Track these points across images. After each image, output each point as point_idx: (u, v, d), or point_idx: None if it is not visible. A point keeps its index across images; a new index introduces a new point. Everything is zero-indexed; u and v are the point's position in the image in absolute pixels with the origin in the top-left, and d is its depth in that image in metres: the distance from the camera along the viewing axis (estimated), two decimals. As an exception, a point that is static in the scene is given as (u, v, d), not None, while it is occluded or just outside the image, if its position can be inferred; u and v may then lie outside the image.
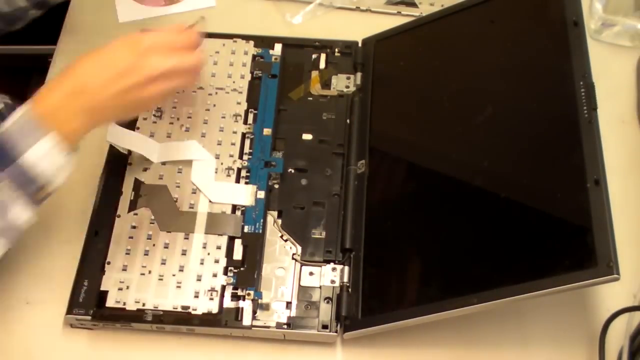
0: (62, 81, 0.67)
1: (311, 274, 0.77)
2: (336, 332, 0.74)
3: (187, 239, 0.78)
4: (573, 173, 0.69)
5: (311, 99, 0.89)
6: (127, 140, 0.81)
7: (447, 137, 0.82)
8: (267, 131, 0.85)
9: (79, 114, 0.66)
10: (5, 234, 0.65)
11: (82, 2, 0.99)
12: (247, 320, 0.74)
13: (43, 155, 0.64)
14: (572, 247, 0.68)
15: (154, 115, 0.85)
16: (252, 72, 0.90)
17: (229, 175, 0.82)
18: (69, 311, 0.74)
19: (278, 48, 0.92)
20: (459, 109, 0.82)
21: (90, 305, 0.74)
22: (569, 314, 0.77)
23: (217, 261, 0.77)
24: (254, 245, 0.78)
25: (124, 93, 0.68)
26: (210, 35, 0.92)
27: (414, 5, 0.98)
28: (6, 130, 0.64)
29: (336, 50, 0.92)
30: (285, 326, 0.74)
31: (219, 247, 0.77)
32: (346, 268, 0.77)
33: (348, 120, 0.87)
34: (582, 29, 0.76)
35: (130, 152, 0.82)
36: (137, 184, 0.81)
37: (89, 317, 0.73)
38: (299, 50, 0.92)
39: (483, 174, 0.77)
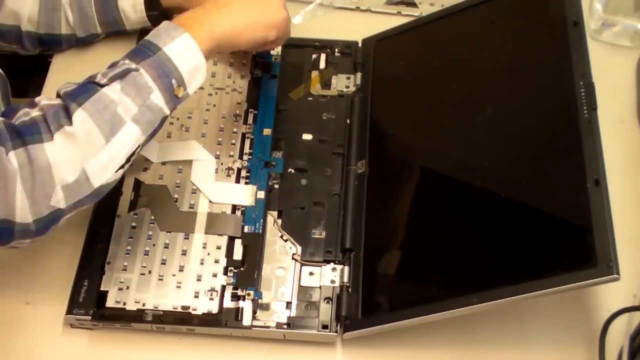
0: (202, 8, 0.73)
1: (311, 274, 0.77)
2: (336, 332, 0.74)
3: (187, 239, 0.78)
4: (573, 173, 0.69)
5: (311, 99, 0.89)
6: None
7: (447, 137, 0.82)
8: (267, 131, 0.85)
9: (216, 15, 0.72)
10: (141, 120, 0.66)
11: (82, 2, 0.99)
12: (247, 320, 0.74)
13: (180, 51, 0.68)
14: (572, 247, 0.68)
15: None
16: (252, 72, 0.90)
17: (229, 175, 0.82)
18: (69, 311, 0.74)
19: (278, 48, 0.92)
20: (459, 109, 0.82)
21: (90, 305, 0.74)
22: (569, 314, 0.77)
23: (217, 261, 0.77)
24: (254, 245, 0.78)
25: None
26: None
27: (414, 5, 0.98)
28: (149, 36, 0.69)
29: (336, 50, 0.92)
30: (285, 326, 0.74)
31: (219, 247, 0.77)
32: (346, 268, 0.77)
33: (348, 120, 0.87)
34: (582, 29, 0.76)
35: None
36: (137, 184, 0.81)
37: (89, 317, 0.73)
38: (299, 50, 0.92)
39: (483, 174, 0.77)
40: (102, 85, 0.65)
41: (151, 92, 0.66)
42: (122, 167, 0.66)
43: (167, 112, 0.68)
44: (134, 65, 0.66)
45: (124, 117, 0.65)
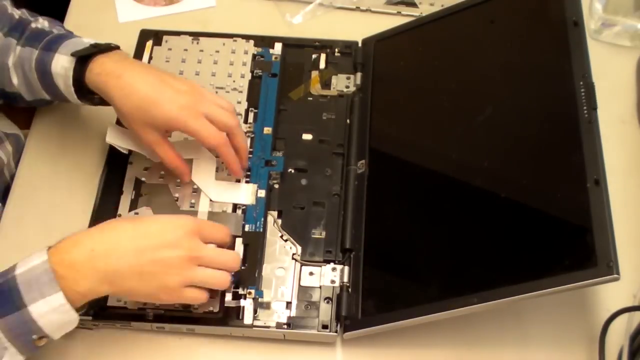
0: (92, 238, 0.66)
1: (311, 274, 0.77)
2: (336, 332, 0.74)
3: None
4: (573, 173, 0.69)
5: (311, 99, 0.89)
6: (127, 141, 0.81)
7: (447, 137, 0.82)
8: (267, 130, 0.85)
9: (97, 277, 0.65)
10: None
11: (82, 2, 0.99)
12: (248, 319, 0.74)
13: (48, 312, 0.63)
14: (572, 247, 0.68)
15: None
16: (252, 72, 0.90)
17: (229, 174, 0.82)
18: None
19: (278, 47, 0.92)
20: (459, 109, 0.82)
21: (90, 305, 0.74)
22: (569, 314, 0.77)
23: (217, 260, 0.77)
24: (255, 244, 0.78)
25: (152, 266, 0.66)
26: (211, 35, 0.93)
27: (414, 5, 0.98)
28: (18, 275, 0.63)
29: (336, 50, 0.92)
30: (285, 326, 0.74)
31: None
32: (346, 268, 0.77)
33: (348, 120, 0.87)
34: (582, 29, 0.76)
35: (130, 151, 0.82)
36: (138, 183, 0.81)
37: (89, 317, 0.73)
38: (299, 50, 0.92)
39: (483, 174, 0.77)
40: None
41: (4, 351, 0.62)
42: None
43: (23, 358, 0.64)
44: None
45: None
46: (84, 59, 0.76)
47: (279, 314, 0.75)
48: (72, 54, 0.76)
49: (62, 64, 0.77)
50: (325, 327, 0.74)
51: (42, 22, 0.85)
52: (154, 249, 0.66)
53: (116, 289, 0.67)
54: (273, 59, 0.91)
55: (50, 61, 0.77)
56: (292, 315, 0.75)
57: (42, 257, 0.64)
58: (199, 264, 0.68)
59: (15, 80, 0.82)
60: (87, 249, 0.65)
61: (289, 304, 0.75)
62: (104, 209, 0.80)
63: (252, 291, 0.75)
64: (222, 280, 0.70)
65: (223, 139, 0.76)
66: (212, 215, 0.79)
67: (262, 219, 0.79)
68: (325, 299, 0.76)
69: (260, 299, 0.75)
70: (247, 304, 0.74)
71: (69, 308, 0.64)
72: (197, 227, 0.69)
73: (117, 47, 0.78)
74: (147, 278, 0.67)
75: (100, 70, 0.75)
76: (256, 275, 0.76)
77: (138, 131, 0.76)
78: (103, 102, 0.78)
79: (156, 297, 0.69)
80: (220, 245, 0.72)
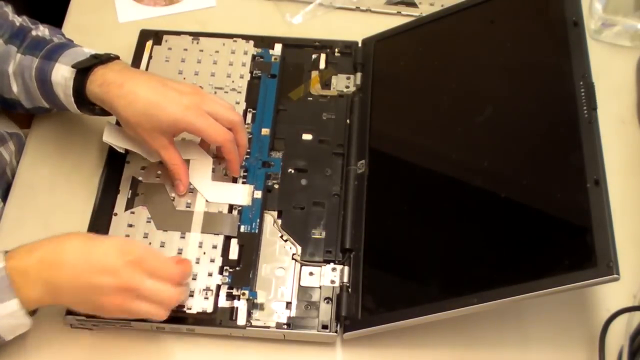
0: (44, 247, 0.67)
1: (311, 274, 0.77)
2: (336, 332, 0.74)
3: (184, 238, 0.78)
4: (573, 173, 0.69)
5: (311, 99, 0.89)
6: (124, 140, 0.81)
7: (447, 137, 0.82)
8: (265, 131, 0.85)
9: (42, 286, 0.66)
10: None
11: (82, 2, 0.99)
12: (241, 320, 0.74)
13: (3, 316, 0.66)
14: (572, 247, 0.68)
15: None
16: (251, 72, 0.90)
17: (226, 175, 0.82)
18: (69, 311, 0.73)
19: (278, 48, 0.92)
20: (459, 109, 0.82)
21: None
22: (569, 314, 0.77)
23: (212, 260, 0.77)
24: (250, 245, 0.78)
25: (88, 288, 0.67)
26: (211, 35, 0.93)
27: (414, 5, 0.98)
28: None
29: (336, 50, 0.92)
30: (285, 326, 0.74)
31: (214, 247, 0.77)
32: (346, 268, 0.77)
33: (348, 120, 0.87)
34: (582, 29, 0.76)
35: (128, 150, 0.82)
36: (135, 183, 0.81)
37: (89, 318, 0.73)
38: (299, 50, 0.92)
39: (483, 174, 0.77)
40: None
41: None
42: None
43: None
44: None
45: None
46: (84, 70, 0.76)
47: (279, 314, 0.75)
48: (73, 66, 0.76)
49: (62, 74, 0.77)
50: (325, 327, 0.74)
51: (43, 30, 0.84)
52: (91, 272, 0.66)
53: (58, 301, 0.69)
54: (272, 59, 0.91)
55: (51, 70, 0.78)
56: (292, 315, 0.75)
57: (0, 262, 0.65)
58: (136, 295, 0.68)
59: (14, 87, 0.82)
60: (37, 257, 0.66)
61: (288, 304, 0.75)
62: (104, 209, 0.80)
63: (246, 292, 0.75)
64: (156, 315, 0.69)
65: (229, 134, 0.76)
66: (207, 216, 0.79)
67: (258, 220, 0.79)
68: (325, 299, 0.76)
69: (254, 300, 0.75)
70: (240, 305, 0.74)
71: (23, 314, 0.66)
72: (140, 257, 0.68)
73: (117, 57, 0.79)
74: (82, 298, 0.68)
75: (101, 81, 0.75)
76: (250, 276, 0.76)
77: (145, 137, 0.76)
78: (103, 112, 0.78)
79: (98, 313, 0.70)
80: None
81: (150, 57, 0.90)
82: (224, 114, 0.76)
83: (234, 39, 0.92)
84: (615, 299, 0.75)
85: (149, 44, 0.91)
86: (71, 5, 0.99)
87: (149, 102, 0.74)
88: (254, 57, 0.91)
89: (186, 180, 0.79)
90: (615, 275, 0.62)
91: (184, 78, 0.88)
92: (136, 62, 0.90)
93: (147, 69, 0.89)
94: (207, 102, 0.76)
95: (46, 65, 0.78)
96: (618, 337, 0.73)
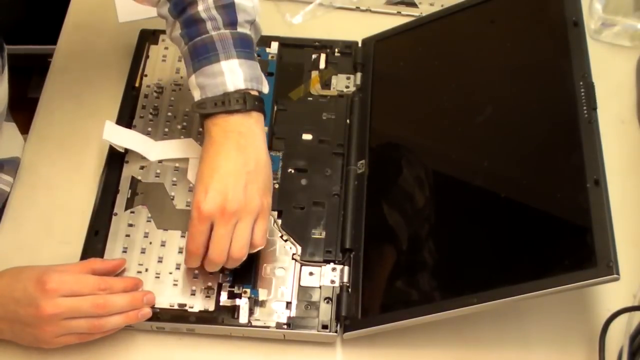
0: None
1: (311, 274, 0.77)
2: (336, 332, 0.74)
3: (184, 237, 0.78)
4: (573, 173, 0.69)
5: (311, 99, 0.89)
6: (123, 139, 0.81)
7: (447, 137, 0.82)
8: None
9: None
10: None
11: (82, 2, 0.99)
12: (243, 318, 0.74)
13: None
14: (571, 247, 0.68)
15: (151, 114, 0.86)
16: (250, 71, 0.90)
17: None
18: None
19: (274, 46, 0.92)
20: (459, 109, 0.82)
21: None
22: (569, 314, 0.77)
23: (213, 260, 0.77)
24: (252, 244, 0.78)
25: (19, 322, 0.69)
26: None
27: (414, 5, 0.98)
28: None
29: (336, 50, 0.92)
30: (285, 326, 0.74)
31: (216, 246, 0.77)
32: (346, 268, 0.77)
33: (348, 120, 0.87)
34: (582, 29, 0.76)
35: (127, 150, 0.82)
36: (134, 182, 0.81)
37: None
38: (299, 50, 0.92)
39: (483, 174, 0.77)
40: None
41: None
42: None
43: None
44: None
45: None
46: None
47: (279, 314, 0.75)
48: (195, 106, 0.73)
49: (192, 84, 0.74)
50: (325, 327, 0.74)
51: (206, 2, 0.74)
52: (17, 307, 0.68)
53: (2, 337, 0.71)
54: (269, 58, 0.91)
55: (188, 75, 0.75)
56: (292, 315, 0.75)
57: None
58: (69, 318, 0.68)
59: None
60: None
61: (288, 304, 0.75)
62: (104, 209, 0.80)
63: (248, 290, 0.75)
64: (109, 325, 0.70)
65: (221, 265, 0.71)
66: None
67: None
68: (325, 299, 0.76)
69: (256, 298, 0.75)
70: (242, 303, 0.74)
71: None
72: (56, 282, 0.68)
73: (254, 108, 0.73)
74: (19, 334, 0.70)
75: (223, 126, 0.72)
76: (252, 274, 0.76)
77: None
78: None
79: (40, 345, 0.71)
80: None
81: (147, 56, 0.90)
82: (235, 246, 0.70)
83: (233, 38, 0.92)
84: (615, 299, 0.75)
85: (148, 43, 0.91)
86: (71, 5, 0.98)
87: (208, 170, 0.70)
88: (253, 56, 0.91)
89: (199, 260, 0.72)
90: (615, 275, 0.62)
91: (181, 77, 0.88)
92: (136, 62, 0.90)
93: (144, 68, 0.89)
94: (247, 216, 0.70)
95: (186, 64, 0.75)
96: (618, 337, 0.73)
